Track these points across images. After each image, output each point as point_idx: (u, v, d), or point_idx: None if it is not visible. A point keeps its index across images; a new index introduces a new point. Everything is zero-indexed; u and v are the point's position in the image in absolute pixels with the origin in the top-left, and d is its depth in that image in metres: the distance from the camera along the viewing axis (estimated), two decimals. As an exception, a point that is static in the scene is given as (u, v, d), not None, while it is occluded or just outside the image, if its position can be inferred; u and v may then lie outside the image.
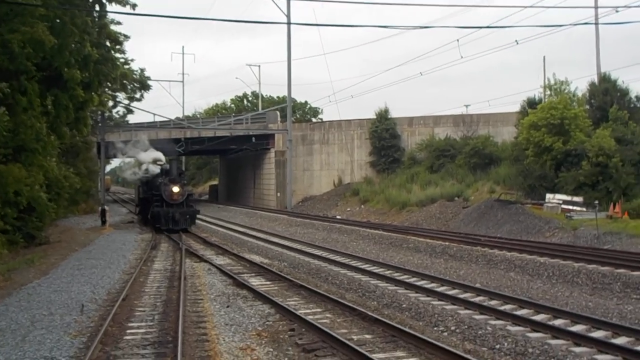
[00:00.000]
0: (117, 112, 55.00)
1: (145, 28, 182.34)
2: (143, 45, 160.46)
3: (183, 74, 77.16)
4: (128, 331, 10.58)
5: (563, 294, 14.02)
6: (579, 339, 9.77)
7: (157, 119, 50.76)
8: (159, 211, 29.53)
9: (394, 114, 49.37)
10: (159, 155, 35.76)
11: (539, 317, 11.36)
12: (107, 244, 24.41)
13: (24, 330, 10.52)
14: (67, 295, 13.56)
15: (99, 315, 11.77)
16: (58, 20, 20.36)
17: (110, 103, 48.09)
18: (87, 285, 14.83)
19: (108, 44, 29.05)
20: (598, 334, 10.23)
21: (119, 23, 36.65)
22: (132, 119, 57.33)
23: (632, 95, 35.35)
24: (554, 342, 9.69)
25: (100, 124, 42.75)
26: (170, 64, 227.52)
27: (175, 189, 30.02)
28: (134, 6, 24.16)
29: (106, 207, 34.03)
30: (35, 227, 23.58)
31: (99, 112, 41.98)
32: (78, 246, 23.38)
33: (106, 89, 39.67)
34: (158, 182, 31.15)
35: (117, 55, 36.97)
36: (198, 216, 32.97)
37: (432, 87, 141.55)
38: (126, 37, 37.25)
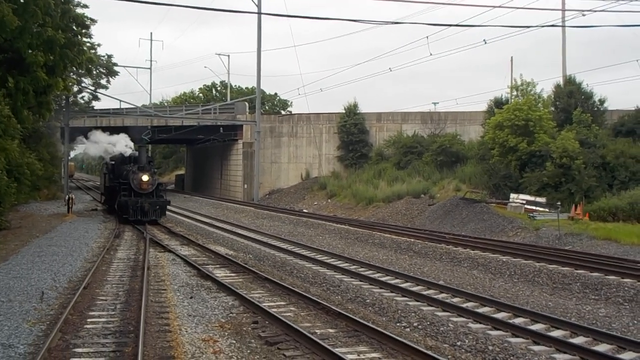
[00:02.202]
0: (82, 98, 54.04)
1: (112, 13, 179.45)
2: (110, 31, 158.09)
3: (151, 60, 76.60)
4: (89, 320, 10.44)
5: (524, 293, 14.25)
6: (538, 337, 9.95)
7: (124, 105, 49.90)
8: (126, 201, 27.90)
9: (362, 109, 49.43)
10: (127, 140, 34.16)
11: (500, 315, 11.53)
12: (70, 231, 23.95)
13: (-20, 317, 10.30)
14: (26, 282, 13.31)
15: (59, 303, 11.59)
16: (22, 1, 19.88)
17: (75, 88, 47.15)
18: (48, 273, 14.57)
19: (75, 27, 28.40)
20: (557, 333, 10.43)
21: (85, 6, 36.04)
22: (98, 105, 56.44)
23: (596, 98, 36.15)
24: (513, 340, 9.85)
25: (64, 109, 41.92)
26: (138, 51, 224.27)
27: (145, 178, 28.43)
28: None
29: (72, 196, 33.13)
30: (-6, 211, 23.09)
31: (64, 97, 41.14)
32: (39, 233, 22.94)
33: (71, 74, 38.88)
34: (126, 170, 29.42)
35: (84, 39, 36.28)
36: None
37: (401, 83, 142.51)
38: (93, 20, 36.59)
